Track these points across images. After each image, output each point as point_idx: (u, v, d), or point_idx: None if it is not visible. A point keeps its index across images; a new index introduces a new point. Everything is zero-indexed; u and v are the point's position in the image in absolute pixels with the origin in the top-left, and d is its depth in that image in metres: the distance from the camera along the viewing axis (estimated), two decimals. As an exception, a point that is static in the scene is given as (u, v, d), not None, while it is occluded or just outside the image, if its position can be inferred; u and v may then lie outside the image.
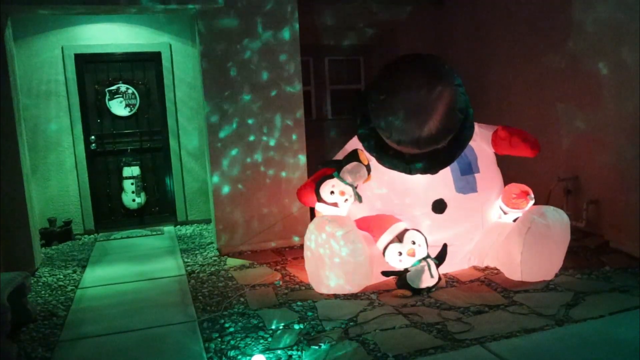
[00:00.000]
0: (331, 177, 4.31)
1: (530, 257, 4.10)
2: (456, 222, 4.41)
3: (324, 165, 4.47)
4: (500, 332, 3.35)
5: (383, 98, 4.12)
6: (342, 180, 4.27)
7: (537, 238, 4.07)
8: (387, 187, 4.43)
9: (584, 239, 5.05)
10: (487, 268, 4.58)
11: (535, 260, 4.13)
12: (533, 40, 5.71)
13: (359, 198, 4.34)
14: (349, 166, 4.27)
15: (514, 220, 4.43)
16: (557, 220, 4.16)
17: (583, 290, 3.97)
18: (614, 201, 4.90)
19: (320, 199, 4.32)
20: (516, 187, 4.42)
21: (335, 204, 4.30)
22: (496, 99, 6.38)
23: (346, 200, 4.31)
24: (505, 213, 4.55)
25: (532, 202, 4.41)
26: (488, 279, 4.33)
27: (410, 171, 4.26)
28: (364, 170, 4.30)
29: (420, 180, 4.35)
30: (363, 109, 4.35)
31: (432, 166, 4.24)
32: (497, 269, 4.51)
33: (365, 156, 4.38)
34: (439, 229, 4.37)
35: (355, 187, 4.34)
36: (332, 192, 4.28)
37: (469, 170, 4.43)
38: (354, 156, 4.33)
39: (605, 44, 4.83)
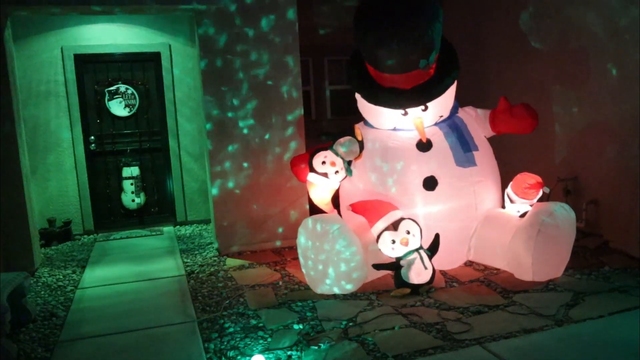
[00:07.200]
0: (325, 149, 4.49)
1: (541, 258, 4.09)
2: (447, 200, 4.40)
3: (324, 134, 4.65)
4: (500, 332, 3.35)
5: (363, 15, 4.31)
6: (335, 152, 4.44)
7: (547, 239, 4.06)
8: (379, 162, 4.50)
9: (583, 239, 5.04)
10: (486, 268, 4.57)
11: (546, 261, 4.12)
12: (533, 40, 5.71)
13: (349, 172, 4.50)
14: (342, 139, 4.50)
15: (521, 216, 4.38)
16: (566, 218, 4.16)
17: (583, 290, 3.97)
18: (614, 201, 4.90)
19: (312, 169, 4.46)
20: (531, 177, 4.36)
21: (325, 175, 4.46)
22: (496, 99, 6.37)
23: (337, 172, 4.47)
24: (512, 202, 4.50)
25: (541, 193, 4.37)
26: (487, 279, 4.33)
27: (401, 106, 4.38)
28: (357, 145, 4.52)
29: (412, 156, 4.40)
30: (355, 57, 4.64)
31: (422, 97, 4.35)
32: (496, 269, 4.51)
33: (360, 132, 4.60)
34: (429, 207, 4.38)
35: (349, 163, 4.50)
36: (323, 163, 4.45)
37: (467, 147, 4.48)
38: (349, 131, 4.58)
39: (605, 43, 4.83)
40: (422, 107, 4.41)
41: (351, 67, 4.73)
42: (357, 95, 4.71)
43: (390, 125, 4.57)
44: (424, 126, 4.44)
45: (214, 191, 5.42)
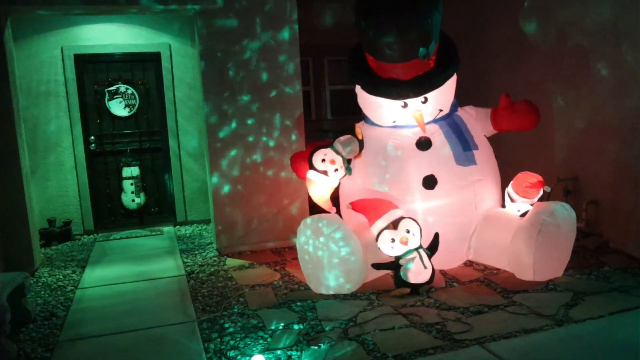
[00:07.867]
0: (325, 147, 4.50)
1: (542, 258, 4.08)
2: (447, 199, 4.40)
3: (331, 132, 4.69)
4: (500, 332, 3.35)
5: (363, 4, 4.33)
6: (335, 150, 4.46)
7: (548, 239, 4.05)
8: (379, 161, 4.51)
9: (583, 239, 5.04)
10: (486, 268, 4.57)
11: (546, 260, 4.12)
12: (533, 40, 5.71)
13: (348, 171, 4.51)
14: (342, 137, 4.53)
15: (522, 215, 4.38)
16: (566, 217, 4.16)
17: (583, 290, 3.96)
18: (614, 201, 4.90)
19: (311, 166, 4.48)
20: (532, 176, 4.34)
21: (324, 172, 4.47)
22: (496, 99, 6.37)
23: (336, 170, 4.48)
24: (512, 201, 4.48)
25: (542, 192, 4.36)
26: (487, 279, 4.33)
27: (400, 96, 4.38)
28: (357, 143, 4.54)
29: (412, 154, 4.41)
30: (356, 51, 4.68)
31: (422, 87, 4.35)
32: (496, 269, 4.51)
33: (360, 131, 4.61)
34: (429, 205, 4.39)
35: (349, 162, 4.52)
36: (323, 160, 4.46)
37: (467, 146, 4.48)
38: (349, 129, 4.62)
39: (605, 43, 4.83)
40: (422, 99, 4.40)
41: (351, 60, 4.73)
42: (357, 88, 4.70)
43: (390, 118, 4.55)
44: (424, 120, 4.44)
45: (214, 191, 5.42)
